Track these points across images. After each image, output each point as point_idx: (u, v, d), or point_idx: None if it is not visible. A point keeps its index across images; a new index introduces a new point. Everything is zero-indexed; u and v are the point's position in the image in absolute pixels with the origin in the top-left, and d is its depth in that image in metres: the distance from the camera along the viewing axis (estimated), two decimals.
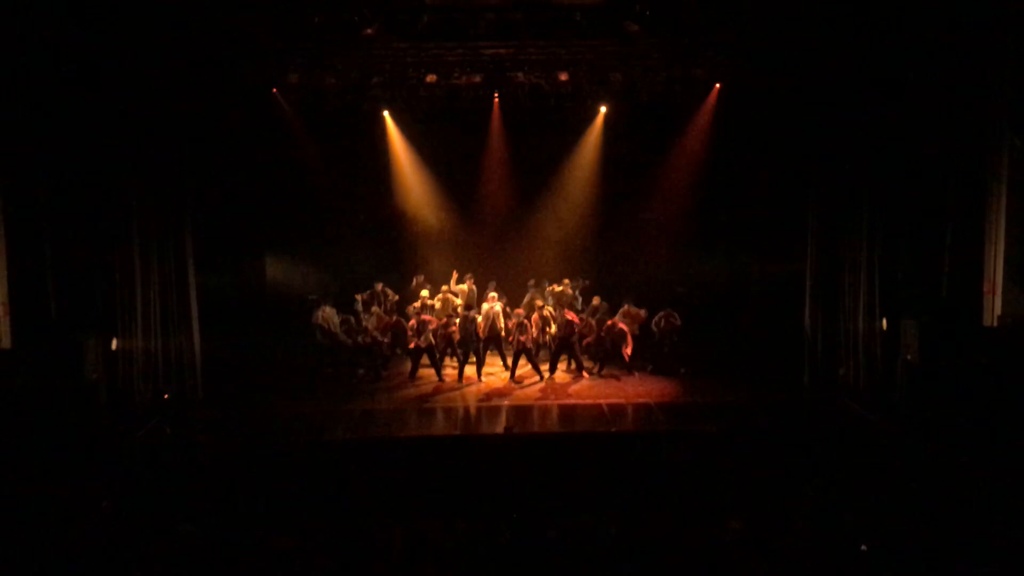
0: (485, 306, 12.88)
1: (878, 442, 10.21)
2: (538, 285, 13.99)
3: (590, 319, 13.01)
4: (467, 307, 13.20)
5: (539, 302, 13.26)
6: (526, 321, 12.55)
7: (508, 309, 13.24)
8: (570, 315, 12.62)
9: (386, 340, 13.03)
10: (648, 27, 10.97)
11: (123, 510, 8.44)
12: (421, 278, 13.99)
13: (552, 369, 12.84)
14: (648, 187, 14.62)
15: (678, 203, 14.46)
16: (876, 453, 9.95)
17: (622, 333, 12.61)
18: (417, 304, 13.34)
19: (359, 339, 12.75)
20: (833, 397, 11.73)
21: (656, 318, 12.93)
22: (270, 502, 8.92)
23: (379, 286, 13.85)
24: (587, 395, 12.02)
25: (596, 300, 13.41)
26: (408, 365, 12.91)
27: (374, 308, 13.24)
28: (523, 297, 14.07)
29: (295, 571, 7.09)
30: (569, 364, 13.17)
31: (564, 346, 12.72)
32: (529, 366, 12.78)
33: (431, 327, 12.49)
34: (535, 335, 12.72)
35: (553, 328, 12.80)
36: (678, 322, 12.92)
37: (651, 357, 13.06)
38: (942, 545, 7.31)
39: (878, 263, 11.72)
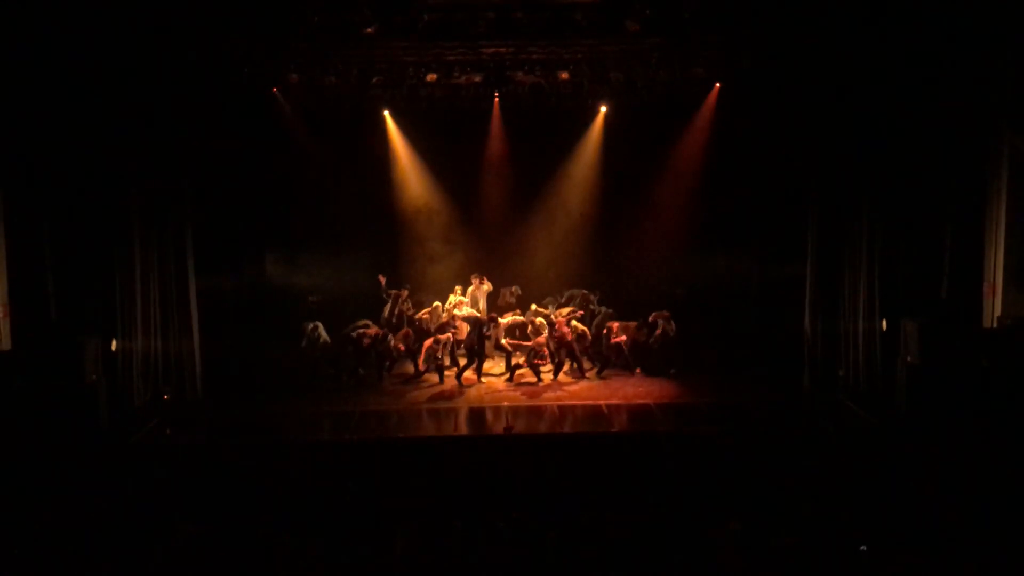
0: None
1: (878, 442, 10.21)
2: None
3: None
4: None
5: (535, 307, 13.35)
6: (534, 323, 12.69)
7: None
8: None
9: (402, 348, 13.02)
10: (648, 26, 10.96)
11: (123, 510, 8.44)
12: (405, 293, 13.90)
13: (555, 374, 12.84)
14: (648, 186, 14.60)
15: (678, 203, 14.44)
16: (876, 453, 9.95)
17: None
18: (425, 313, 13.44)
19: (362, 340, 12.75)
20: (833, 397, 11.73)
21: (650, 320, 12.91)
22: (270, 502, 8.93)
23: (404, 293, 13.83)
24: (586, 396, 12.01)
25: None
26: (409, 367, 12.92)
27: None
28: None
29: (295, 571, 7.09)
30: (571, 365, 13.15)
31: (569, 352, 12.72)
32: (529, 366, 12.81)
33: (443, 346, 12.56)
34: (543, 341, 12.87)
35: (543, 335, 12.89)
36: (672, 328, 12.90)
37: (666, 360, 13.05)
38: (942, 545, 7.31)
39: (878, 263, 11.71)
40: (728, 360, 13.05)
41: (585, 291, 14.02)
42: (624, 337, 12.85)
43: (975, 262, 11.22)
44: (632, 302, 13.77)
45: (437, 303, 13.59)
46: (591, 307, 13.79)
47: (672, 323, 12.93)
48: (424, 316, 13.48)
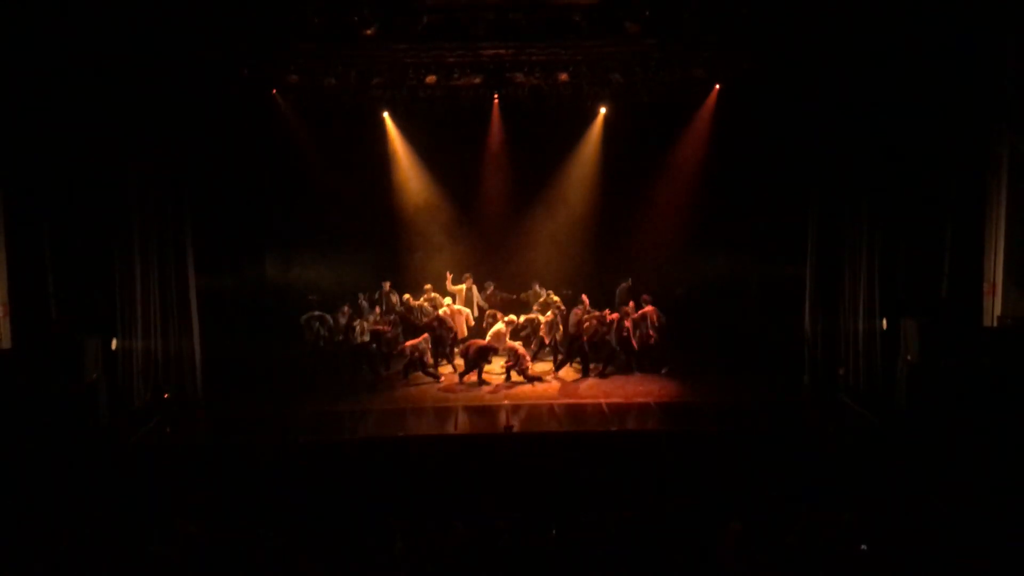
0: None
1: (878, 442, 10.21)
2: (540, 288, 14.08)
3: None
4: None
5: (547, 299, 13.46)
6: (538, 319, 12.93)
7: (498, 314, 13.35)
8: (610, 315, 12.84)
9: (389, 337, 13.03)
10: (648, 27, 10.96)
11: (123, 510, 8.45)
12: (387, 285, 13.99)
13: (559, 367, 12.85)
14: (648, 187, 14.61)
15: (678, 203, 14.45)
16: (876, 453, 9.96)
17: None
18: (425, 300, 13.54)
19: (356, 339, 12.74)
20: (833, 397, 11.73)
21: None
22: (270, 502, 8.93)
23: (387, 286, 13.91)
24: (587, 394, 12.02)
25: (586, 300, 13.33)
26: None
27: (377, 310, 13.37)
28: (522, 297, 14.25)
29: (295, 571, 7.09)
30: (574, 362, 13.17)
31: (579, 348, 12.73)
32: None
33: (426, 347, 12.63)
34: (546, 338, 13.03)
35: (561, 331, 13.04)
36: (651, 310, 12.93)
37: (661, 358, 13.04)
38: (941, 545, 7.31)
39: (878, 263, 11.71)
40: (728, 360, 13.05)
41: (626, 284, 14.05)
42: (629, 322, 12.80)
43: (975, 262, 11.23)
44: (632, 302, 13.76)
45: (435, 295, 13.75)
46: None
47: (650, 305, 12.95)
48: (420, 303, 13.58)
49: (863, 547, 7.16)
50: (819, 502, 8.35)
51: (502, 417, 10.92)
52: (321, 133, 13.95)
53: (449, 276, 14.01)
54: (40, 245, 11.21)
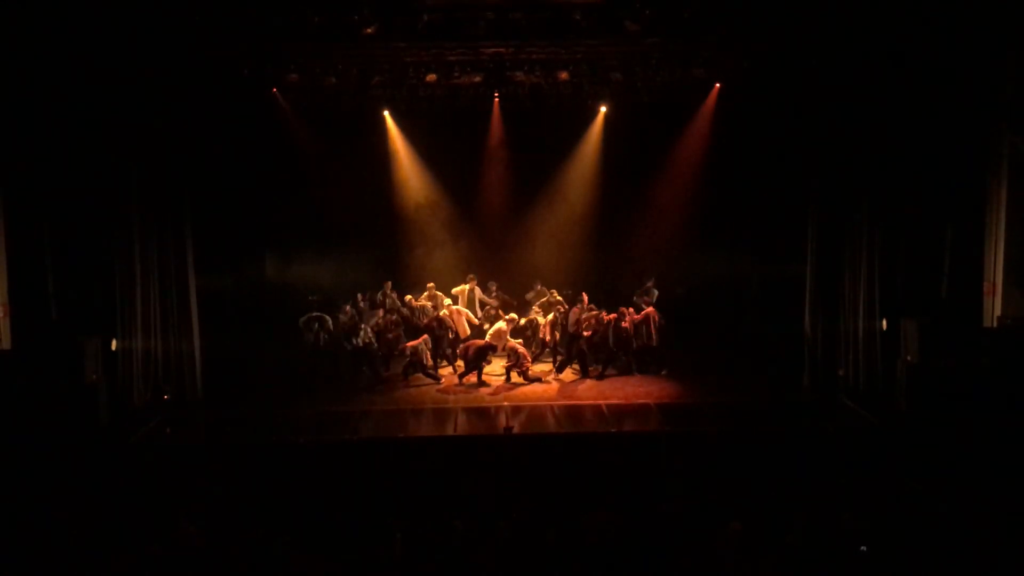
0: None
1: (878, 442, 10.21)
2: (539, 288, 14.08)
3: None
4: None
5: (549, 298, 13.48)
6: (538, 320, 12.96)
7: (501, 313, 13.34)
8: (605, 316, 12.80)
9: (390, 337, 13.05)
10: (648, 27, 10.96)
11: (123, 510, 8.44)
12: (388, 285, 14.00)
13: (560, 370, 12.89)
14: (648, 186, 14.61)
15: (678, 203, 14.45)
16: (876, 453, 9.95)
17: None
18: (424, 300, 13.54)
19: (358, 340, 12.74)
20: (833, 397, 11.73)
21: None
22: (270, 502, 8.92)
23: (387, 286, 13.92)
24: (587, 396, 12.02)
25: (585, 298, 13.33)
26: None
27: (380, 311, 13.39)
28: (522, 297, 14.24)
29: (295, 571, 7.08)
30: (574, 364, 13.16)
31: (576, 348, 12.74)
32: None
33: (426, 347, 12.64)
34: (547, 338, 13.05)
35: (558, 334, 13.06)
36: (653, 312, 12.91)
37: (661, 360, 13.04)
38: (942, 545, 7.31)
39: (878, 263, 11.72)
40: (728, 360, 13.04)
41: (650, 283, 14.00)
42: (627, 323, 12.79)
43: (975, 262, 11.24)
44: (631, 302, 13.76)
45: (437, 293, 13.76)
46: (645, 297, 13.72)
47: (650, 306, 12.98)
48: (422, 304, 13.58)
49: (863, 547, 7.16)
50: (819, 502, 8.35)
51: (502, 418, 10.92)
52: (321, 132, 13.95)
53: (430, 286, 13.96)
54: (40, 245, 11.21)
